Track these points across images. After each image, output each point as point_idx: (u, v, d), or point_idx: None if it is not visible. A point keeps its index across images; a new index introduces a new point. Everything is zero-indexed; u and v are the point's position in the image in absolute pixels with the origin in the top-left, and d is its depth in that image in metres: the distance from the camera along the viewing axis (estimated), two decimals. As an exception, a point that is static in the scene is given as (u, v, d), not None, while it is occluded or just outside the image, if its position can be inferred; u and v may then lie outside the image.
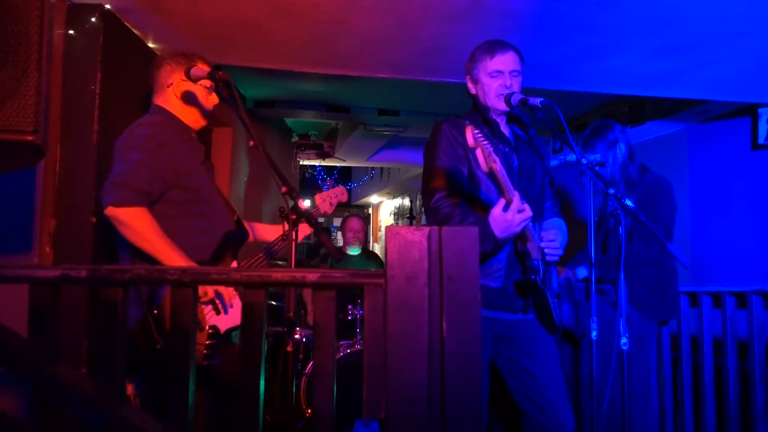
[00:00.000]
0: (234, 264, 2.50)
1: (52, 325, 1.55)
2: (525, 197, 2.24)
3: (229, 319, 2.42)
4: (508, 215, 2.14)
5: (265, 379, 1.49)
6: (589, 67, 3.80)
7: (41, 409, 1.56)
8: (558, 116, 2.26)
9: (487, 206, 2.29)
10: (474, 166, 2.35)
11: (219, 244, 2.44)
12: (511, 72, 2.40)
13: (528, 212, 2.17)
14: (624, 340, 2.33)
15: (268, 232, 2.81)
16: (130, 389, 2.74)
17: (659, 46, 3.43)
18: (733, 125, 4.81)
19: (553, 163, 2.66)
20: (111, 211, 2.24)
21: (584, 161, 2.38)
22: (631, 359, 2.53)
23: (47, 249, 2.72)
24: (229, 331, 2.44)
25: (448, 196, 2.36)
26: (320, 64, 3.99)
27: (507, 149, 2.46)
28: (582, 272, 3.33)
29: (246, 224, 2.73)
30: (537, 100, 2.34)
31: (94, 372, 1.56)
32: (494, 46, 2.42)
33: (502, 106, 2.41)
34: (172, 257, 2.25)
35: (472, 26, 3.21)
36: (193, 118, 2.56)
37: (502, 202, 2.16)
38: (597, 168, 2.36)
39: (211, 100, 2.59)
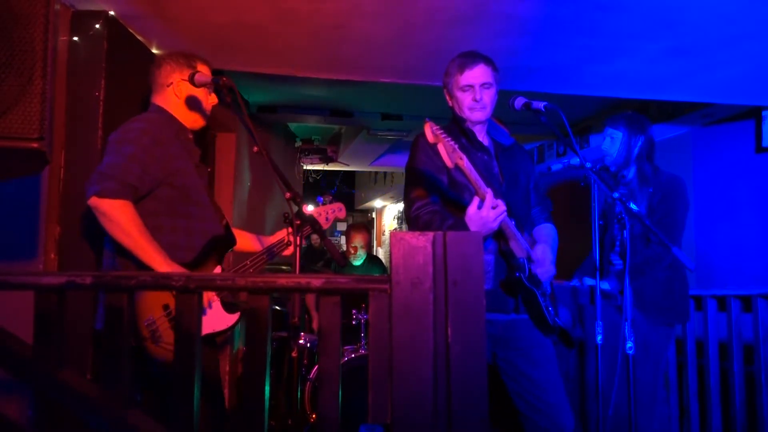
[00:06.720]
0: (218, 269, 2.45)
1: (57, 332, 1.55)
2: (509, 200, 2.26)
3: (209, 323, 2.36)
4: (483, 212, 2.17)
5: (270, 385, 1.48)
6: (592, 70, 3.80)
7: (47, 416, 1.56)
8: (561, 120, 2.27)
9: None
10: (454, 174, 2.36)
11: (204, 246, 2.40)
12: (482, 85, 2.42)
13: (502, 207, 2.19)
14: (629, 344, 2.32)
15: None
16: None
17: (663, 50, 3.43)
18: (737, 128, 4.80)
19: (557, 166, 2.66)
20: (94, 201, 2.18)
21: (588, 165, 2.38)
22: (637, 363, 2.52)
23: (52, 255, 2.72)
24: (211, 335, 2.38)
25: (428, 204, 2.40)
26: (323, 69, 3.99)
27: (486, 157, 2.50)
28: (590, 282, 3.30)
29: (243, 232, 2.71)
30: (541, 104, 2.36)
31: (100, 377, 1.56)
32: (464, 61, 2.45)
33: (476, 117, 2.44)
34: (151, 254, 2.20)
35: (475, 30, 3.21)
36: (191, 119, 2.53)
37: (476, 200, 2.18)
38: (602, 173, 2.36)
39: (210, 101, 2.55)
